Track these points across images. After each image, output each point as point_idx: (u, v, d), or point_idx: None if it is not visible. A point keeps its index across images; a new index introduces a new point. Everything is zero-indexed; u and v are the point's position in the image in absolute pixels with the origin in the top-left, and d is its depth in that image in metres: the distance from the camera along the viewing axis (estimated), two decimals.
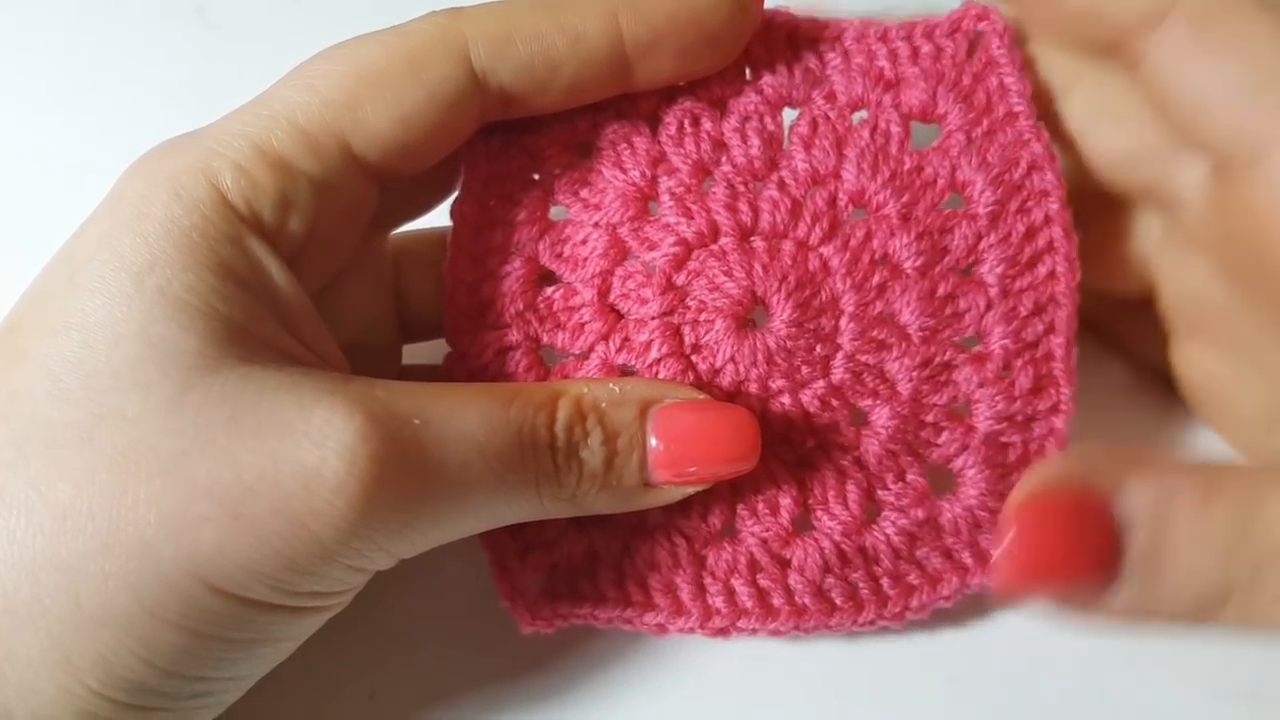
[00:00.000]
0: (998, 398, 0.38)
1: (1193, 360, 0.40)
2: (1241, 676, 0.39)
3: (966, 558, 0.38)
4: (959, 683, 0.39)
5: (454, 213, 0.39)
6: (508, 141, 0.39)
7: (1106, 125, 0.38)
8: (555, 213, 0.40)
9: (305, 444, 0.30)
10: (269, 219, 0.33)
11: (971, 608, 0.40)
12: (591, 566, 0.38)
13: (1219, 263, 0.37)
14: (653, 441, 0.34)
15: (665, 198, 0.39)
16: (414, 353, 0.43)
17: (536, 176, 0.39)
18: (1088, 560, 0.28)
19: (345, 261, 0.38)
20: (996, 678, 0.39)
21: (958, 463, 0.38)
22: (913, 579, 0.38)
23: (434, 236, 0.42)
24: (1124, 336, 0.44)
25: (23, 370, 0.31)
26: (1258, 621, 0.28)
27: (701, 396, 0.35)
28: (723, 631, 0.38)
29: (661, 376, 0.37)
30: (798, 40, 0.40)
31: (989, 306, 0.38)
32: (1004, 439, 0.38)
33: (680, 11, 0.36)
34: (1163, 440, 0.44)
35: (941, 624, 0.40)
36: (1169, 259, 0.39)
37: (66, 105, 0.55)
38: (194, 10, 0.57)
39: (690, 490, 0.36)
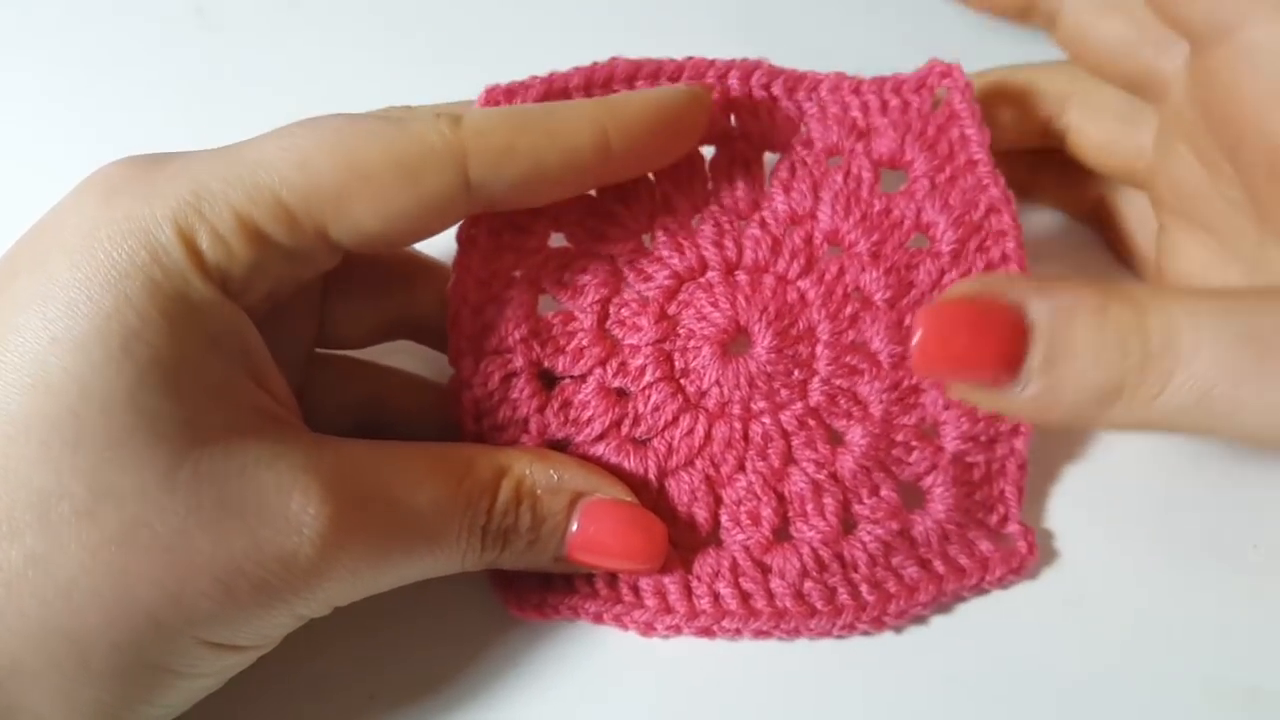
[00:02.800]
0: (962, 419, 0.41)
1: (1178, 249, 0.42)
2: (1241, 676, 0.40)
3: (939, 567, 0.41)
4: (955, 683, 0.40)
5: (460, 237, 0.41)
6: None
7: (1099, 18, 0.40)
8: (554, 239, 0.42)
9: (284, 531, 0.32)
10: (240, 285, 0.34)
11: (967, 608, 0.41)
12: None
13: (1200, 149, 0.39)
14: (574, 526, 0.38)
15: (659, 233, 0.42)
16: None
17: (542, 206, 0.41)
18: (991, 357, 0.33)
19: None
20: (995, 678, 0.40)
21: (927, 480, 0.42)
22: (890, 586, 0.40)
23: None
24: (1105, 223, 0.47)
25: (4, 429, 0.30)
26: (1141, 419, 0.32)
27: (629, 497, 0.39)
28: (707, 631, 0.40)
29: (654, 399, 0.41)
30: (777, 90, 0.43)
31: None
32: (969, 459, 0.42)
33: (655, 118, 0.38)
34: None
35: (937, 624, 0.41)
36: (1159, 149, 0.41)
37: (66, 105, 0.55)
38: (193, 11, 0.57)
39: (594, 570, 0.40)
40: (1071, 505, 0.44)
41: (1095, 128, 0.44)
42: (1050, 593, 0.42)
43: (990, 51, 0.45)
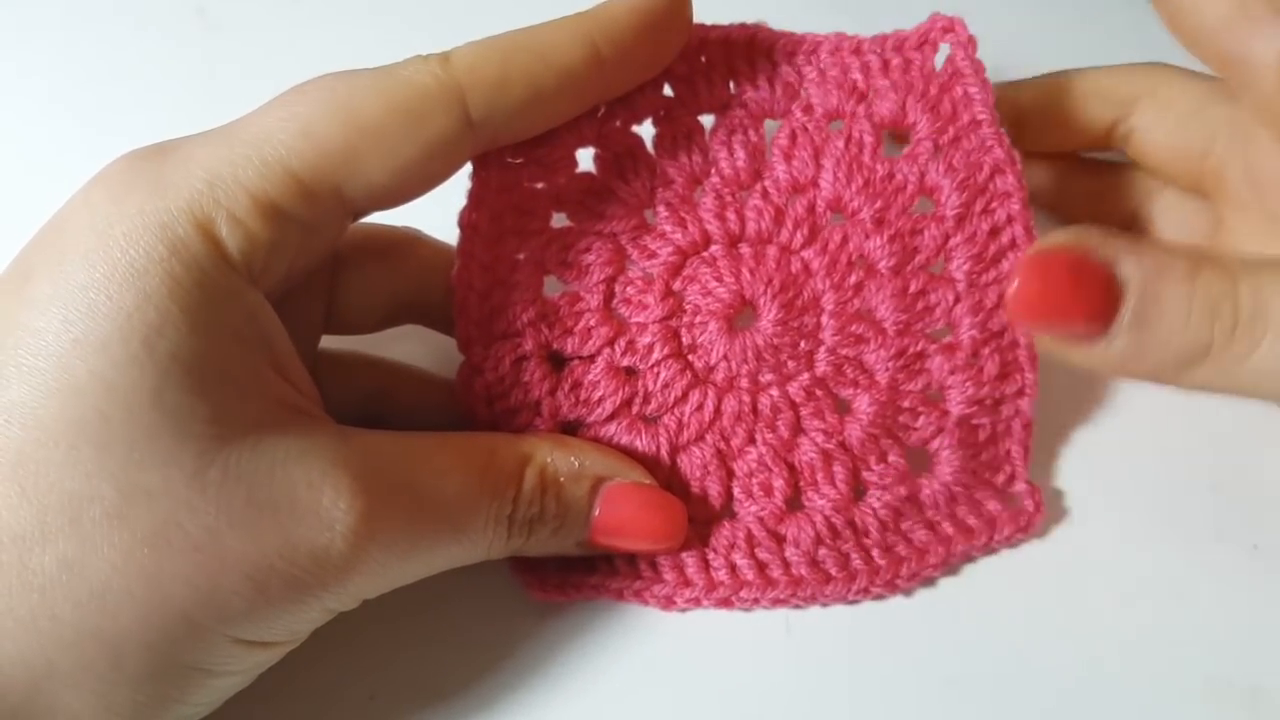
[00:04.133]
0: (968, 383, 0.41)
1: (1240, 244, 0.42)
2: (1241, 676, 0.40)
3: (948, 529, 0.42)
4: (957, 682, 0.40)
5: (462, 222, 0.41)
6: (515, 151, 0.41)
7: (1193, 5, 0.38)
8: (556, 219, 0.42)
9: (317, 526, 0.32)
10: (260, 267, 0.34)
11: (967, 615, 0.41)
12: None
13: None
14: (596, 511, 0.39)
15: (661, 208, 0.42)
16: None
17: (541, 185, 0.41)
18: (1084, 310, 0.34)
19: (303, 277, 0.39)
20: (995, 678, 0.40)
21: (934, 444, 0.42)
22: (901, 550, 0.41)
23: (369, 234, 0.43)
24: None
25: (32, 434, 0.30)
26: (1228, 380, 0.34)
27: (647, 479, 0.40)
28: (726, 602, 0.41)
29: (662, 376, 0.41)
30: (777, 55, 0.43)
31: (957, 300, 0.42)
32: (975, 421, 0.42)
33: (642, 21, 0.38)
34: None
35: (939, 625, 0.41)
36: (1237, 139, 0.41)
37: (67, 105, 0.55)
38: (194, 10, 0.58)
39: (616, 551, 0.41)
40: (1080, 464, 0.44)
41: (1163, 128, 0.44)
42: (1058, 551, 0.42)
43: (996, 7, 0.44)
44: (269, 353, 0.34)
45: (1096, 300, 0.34)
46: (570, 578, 0.41)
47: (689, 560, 0.41)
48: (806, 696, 0.40)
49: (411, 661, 0.41)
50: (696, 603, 0.41)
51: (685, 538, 0.41)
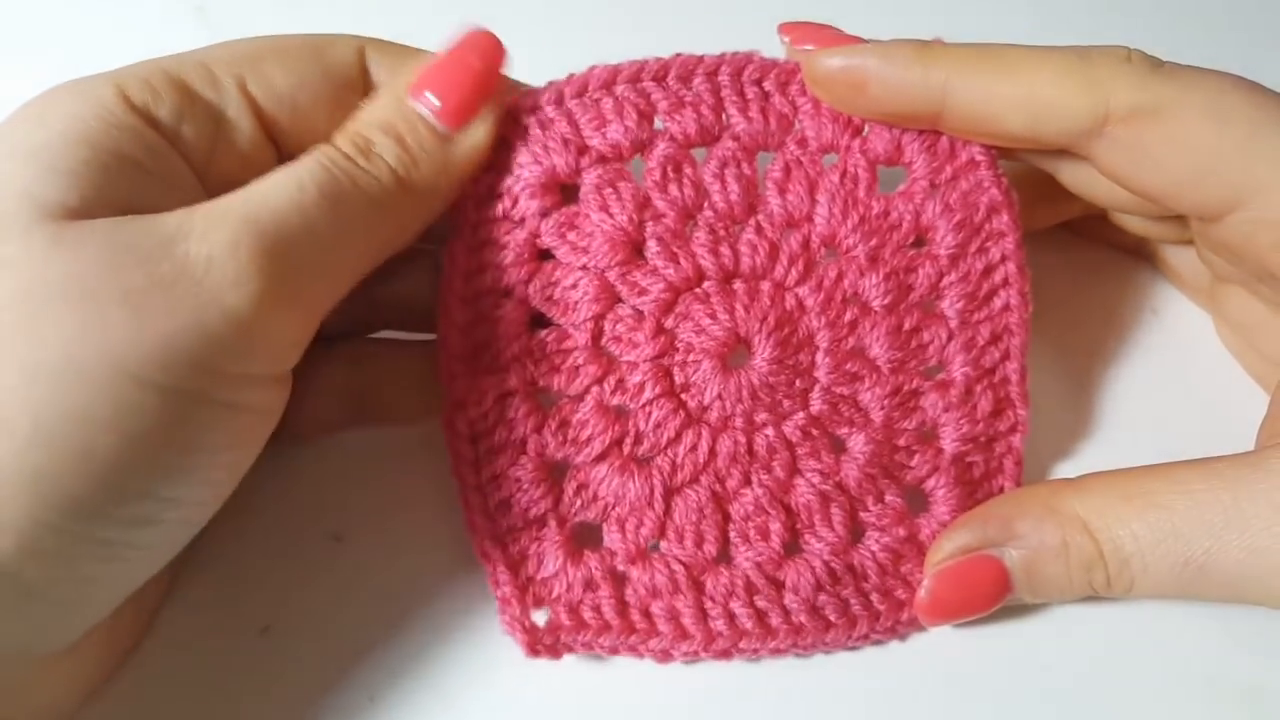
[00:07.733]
0: (962, 420, 0.41)
1: (1231, 299, 0.46)
2: (1241, 676, 0.40)
3: None
4: (957, 684, 0.40)
5: (444, 255, 0.40)
6: (493, 185, 0.40)
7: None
8: (542, 254, 0.41)
9: (193, 243, 0.32)
10: (169, 128, 0.37)
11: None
12: (593, 596, 0.40)
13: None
14: (435, 103, 0.38)
15: (652, 243, 0.40)
16: None
17: (522, 219, 0.40)
18: (984, 600, 0.40)
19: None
20: (996, 679, 0.40)
21: (929, 483, 0.41)
22: (900, 594, 0.41)
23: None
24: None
25: None
26: (1126, 597, 0.39)
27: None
28: (725, 654, 0.40)
29: (655, 416, 0.40)
30: (770, 86, 0.42)
31: (950, 337, 0.41)
32: (969, 459, 0.42)
33: None
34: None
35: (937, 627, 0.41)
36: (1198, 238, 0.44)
37: None
38: (194, 10, 0.58)
39: (477, 127, 0.39)
40: None
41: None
42: None
43: (1002, 32, 0.43)
44: (170, 187, 0.36)
45: (993, 589, 0.40)
46: (561, 636, 0.40)
47: (684, 610, 0.40)
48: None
49: (411, 663, 0.41)
50: (695, 656, 0.40)
51: (676, 581, 0.40)
